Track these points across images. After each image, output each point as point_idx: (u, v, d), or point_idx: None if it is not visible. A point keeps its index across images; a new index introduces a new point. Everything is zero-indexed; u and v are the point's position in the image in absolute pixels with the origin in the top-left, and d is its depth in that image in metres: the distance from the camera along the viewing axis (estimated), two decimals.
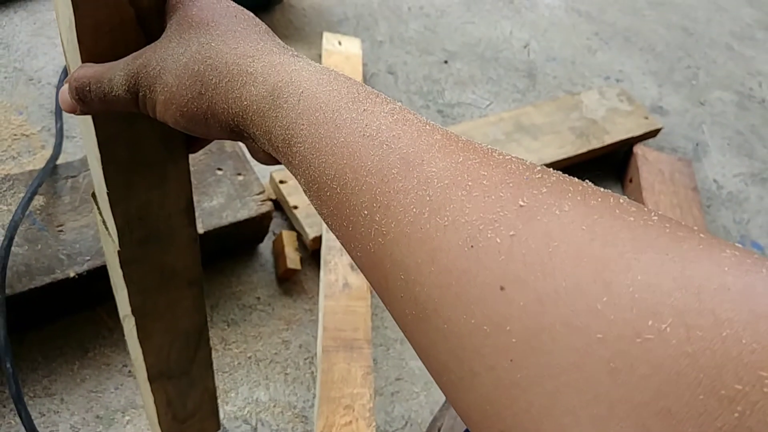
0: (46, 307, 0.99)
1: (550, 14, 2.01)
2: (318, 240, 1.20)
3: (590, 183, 0.26)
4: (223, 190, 1.12)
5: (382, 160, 0.30)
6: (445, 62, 1.74)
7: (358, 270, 1.15)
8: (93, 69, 0.40)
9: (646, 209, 0.24)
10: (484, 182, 0.27)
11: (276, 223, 1.25)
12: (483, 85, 1.72)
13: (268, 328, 1.14)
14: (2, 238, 0.95)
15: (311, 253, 1.23)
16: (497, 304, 0.24)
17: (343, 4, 1.79)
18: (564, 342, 0.22)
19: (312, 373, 1.10)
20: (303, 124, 0.33)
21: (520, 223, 0.25)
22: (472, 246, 0.25)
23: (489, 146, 0.30)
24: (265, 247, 1.24)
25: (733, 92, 1.96)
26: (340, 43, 1.58)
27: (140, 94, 0.39)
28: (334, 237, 1.16)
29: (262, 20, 0.42)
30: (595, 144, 1.52)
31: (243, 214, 1.11)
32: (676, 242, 0.22)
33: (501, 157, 0.28)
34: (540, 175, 0.27)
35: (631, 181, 1.56)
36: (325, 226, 1.20)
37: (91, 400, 0.99)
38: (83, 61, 0.41)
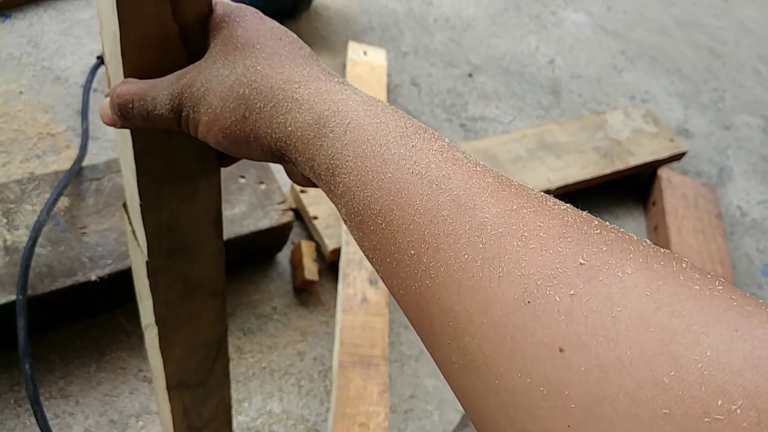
0: (66, 308, 1.00)
1: (577, 31, 2.00)
2: (337, 252, 1.20)
3: (649, 241, 0.26)
4: (245, 199, 1.12)
5: (432, 200, 0.29)
6: (470, 75, 1.73)
7: (377, 285, 1.15)
8: (136, 86, 0.40)
9: (709, 276, 0.24)
10: (541, 234, 0.26)
11: (295, 233, 1.25)
12: (507, 99, 1.71)
13: (284, 339, 1.14)
14: (26, 239, 0.95)
15: (329, 264, 1.23)
16: (556, 366, 0.23)
17: (368, 14, 1.79)
18: (627, 413, 0.21)
19: (326, 386, 1.09)
20: (349, 155, 0.32)
21: (580, 282, 0.24)
22: (528, 302, 0.24)
23: (542, 193, 0.29)
24: (284, 256, 1.24)
25: (759, 117, 1.94)
26: (365, 53, 1.58)
27: (183, 113, 0.39)
28: (354, 250, 1.16)
29: (288, 27, 0.41)
30: (620, 165, 1.50)
31: (264, 224, 1.10)
32: (744, 317, 0.21)
33: (556, 207, 0.28)
34: (599, 231, 0.26)
35: (654, 204, 1.55)
36: (344, 238, 1.20)
37: (105, 403, 0.99)
38: (125, 74, 0.41)
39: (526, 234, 0.26)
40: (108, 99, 0.41)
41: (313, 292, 1.20)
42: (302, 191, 1.25)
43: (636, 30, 2.07)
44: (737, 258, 1.55)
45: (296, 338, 1.14)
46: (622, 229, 0.26)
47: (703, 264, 1.43)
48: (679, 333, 0.21)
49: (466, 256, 0.27)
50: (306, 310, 1.18)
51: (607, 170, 1.49)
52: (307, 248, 1.20)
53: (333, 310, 1.19)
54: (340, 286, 1.15)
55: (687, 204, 1.54)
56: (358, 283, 1.14)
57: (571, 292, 0.24)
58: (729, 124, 1.88)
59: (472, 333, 0.26)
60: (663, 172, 1.57)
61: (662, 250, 0.25)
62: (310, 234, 1.26)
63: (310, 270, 1.17)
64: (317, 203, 1.24)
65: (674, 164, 1.65)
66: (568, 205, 0.28)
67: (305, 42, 0.42)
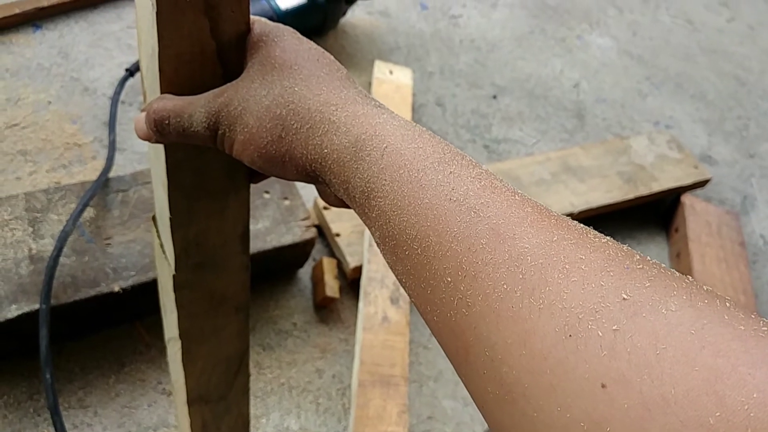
0: (88, 319, 1.00)
1: (602, 55, 1.99)
2: (358, 269, 1.19)
3: (692, 279, 0.25)
4: (269, 214, 1.12)
5: (470, 228, 0.29)
6: (494, 97, 1.73)
7: (398, 304, 1.14)
8: (173, 102, 0.40)
9: (753, 316, 0.23)
10: (583, 267, 0.26)
11: (317, 249, 1.25)
12: (531, 122, 1.71)
13: (303, 356, 1.13)
14: (51, 248, 0.95)
15: (350, 282, 1.22)
16: (598, 402, 0.23)
17: (395, 33, 1.80)
18: None
19: (344, 404, 1.09)
20: (385, 180, 0.32)
21: (624, 318, 0.23)
22: (570, 335, 0.24)
23: (582, 225, 0.29)
24: (305, 272, 1.23)
25: None
26: (391, 72, 1.58)
27: (219, 131, 0.39)
28: (375, 268, 1.16)
29: (316, 44, 0.41)
30: (643, 191, 1.49)
31: (287, 239, 1.10)
32: None
33: (597, 239, 0.27)
34: (641, 266, 0.26)
35: (677, 230, 1.53)
36: (366, 256, 1.19)
37: (124, 415, 0.99)
38: (162, 89, 0.41)
39: (567, 266, 0.26)
40: (144, 114, 0.42)
41: (334, 309, 1.20)
42: (325, 208, 1.25)
43: (661, 56, 2.07)
44: (760, 287, 1.53)
45: (315, 355, 1.14)
46: (663, 265, 0.26)
47: (725, 292, 1.41)
48: (725, 373, 0.21)
49: (505, 286, 0.27)
50: (326, 327, 1.18)
51: (631, 195, 1.48)
52: (328, 265, 1.20)
53: (353, 327, 1.18)
54: (361, 304, 1.14)
55: (710, 231, 1.52)
56: (380, 302, 1.14)
57: (614, 328, 0.23)
58: (753, 153, 1.86)
59: (510, 364, 0.26)
60: (686, 199, 1.56)
61: (705, 287, 0.25)
62: (332, 251, 1.26)
63: (331, 287, 1.17)
64: (339, 220, 1.24)
65: (698, 191, 1.64)
66: (608, 238, 0.28)
67: None
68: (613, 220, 1.50)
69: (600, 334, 0.23)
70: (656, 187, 1.51)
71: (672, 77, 2.01)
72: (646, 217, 1.57)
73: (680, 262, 1.48)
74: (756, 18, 2.37)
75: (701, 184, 1.60)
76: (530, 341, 0.25)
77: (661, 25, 2.19)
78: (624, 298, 0.24)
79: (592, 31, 2.07)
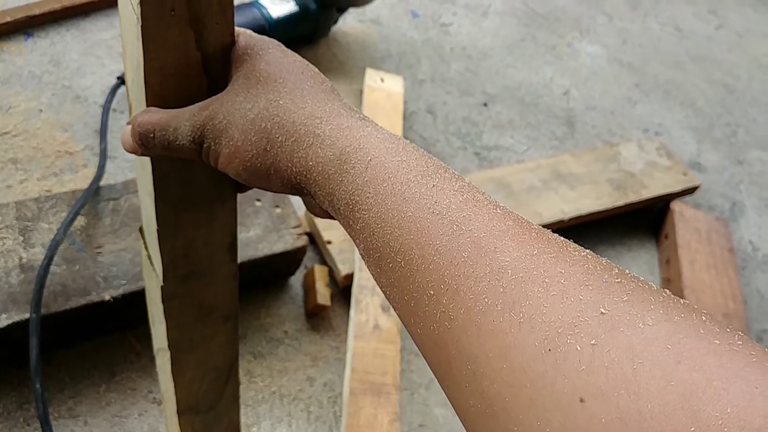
0: (78, 328, 1.00)
1: (592, 63, 2.01)
2: (350, 277, 1.19)
3: (669, 292, 0.26)
4: (260, 222, 1.12)
5: (452, 241, 0.29)
6: (485, 105, 1.74)
7: (390, 312, 1.14)
8: (158, 116, 0.40)
9: (728, 330, 0.24)
10: (562, 281, 0.26)
11: (308, 257, 1.25)
12: (521, 129, 1.72)
13: (294, 364, 1.13)
14: (42, 257, 0.95)
15: (341, 289, 1.23)
16: (576, 416, 0.23)
17: (387, 41, 1.80)
18: None
19: (335, 413, 1.09)
20: (369, 193, 0.33)
21: (602, 332, 0.24)
22: (549, 349, 0.24)
23: (562, 238, 0.29)
24: (296, 280, 1.24)
25: None
26: (382, 80, 1.59)
27: (205, 145, 0.39)
28: (367, 276, 1.16)
29: (307, 53, 0.42)
30: (633, 198, 1.50)
31: (279, 247, 1.11)
32: (764, 374, 0.22)
33: (577, 253, 0.28)
34: (619, 279, 0.26)
35: (666, 237, 1.54)
36: (357, 263, 1.19)
37: (114, 424, 0.99)
38: (147, 101, 0.41)
39: (547, 280, 0.26)
40: (129, 127, 0.42)
41: (325, 317, 1.20)
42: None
43: (651, 63, 2.08)
44: (749, 293, 1.54)
45: (306, 363, 1.14)
46: (641, 278, 0.27)
47: (715, 299, 1.42)
48: (700, 388, 0.21)
49: (486, 300, 0.27)
50: (317, 335, 1.18)
51: (620, 202, 1.49)
52: (320, 273, 1.20)
53: (344, 335, 1.18)
54: (352, 312, 1.15)
55: (699, 238, 1.53)
56: (371, 310, 1.14)
57: (593, 342, 0.24)
58: (742, 159, 1.88)
59: (491, 378, 0.26)
60: (676, 206, 1.57)
61: (682, 301, 0.25)
62: (324, 258, 1.26)
63: (323, 295, 1.17)
64: (331, 228, 1.24)
65: (687, 198, 1.65)
66: (588, 251, 0.28)
67: (323, 68, 0.42)
68: (603, 227, 1.50)
69: (578, 348, 0.24)
70: (646, 193, 1.52)
71: (661, 84, 2.02)
72: (635, 224, 1.58)
73: (670, 268, 1.49)
74: (744, 26, 2.40)
75: (690, 190, 1.61)
76: (511, 355, 0.25)
77: (650, 33, 2.21)
78: (602, 313, 0.24)
79: (582, 38, 2.09)
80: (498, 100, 1.77)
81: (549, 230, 0.30)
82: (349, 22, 1.79)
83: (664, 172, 1.59)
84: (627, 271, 0.27)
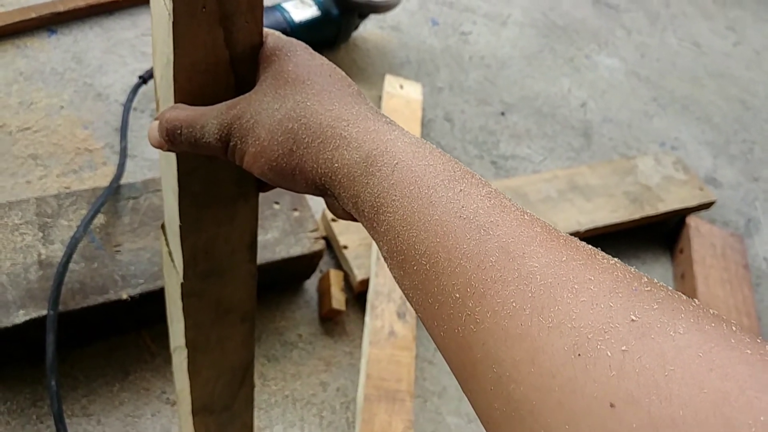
0: (95, 326, 1.00)
1: (610, 76, 2.00)
2: (365, 282, 1.19)
3: (698, 301, 0.26)
4: (278, 225, 1.12)
5: (480, 246, 0.29)
6: (502, 114, 1.74)
7: (405, 319, 1.14)
8: (185, 113, 0.40)
9: (758, 340, 0.24)
10: (592, 287, 0.26)
11: (324, 261, 1.25)
12: (538, 140, 1.72)
13: (308, 368, 1.13)
14: (61, 254, 0.95)
15: (356, 295, 1.22)
16: (606, 420, 0.23)
17: (406, 48, 1.81)
18: None
19: (348, 418, 1.08)
20: (395, 195, 0.33)
21: (632, 339, 0.24)
22: (579, 354, 0.24)
23: (590, 246, 0.29)
24: (311, 283, 1.23)
25: None
26: (401, 87, 1.59)
27: (231, 143, 0.40)
28: (383, 282, 1.16)
29: (327, 58, 0.42)
30: (649, 211, 1.50)
31: (296, 251, 1.10)
32: None
33: (605, 261, 0.28)
34: (649, 288, 0.26)
35: (681, 251, 1.54)
36: (373, 269, 1.19)
37: (127, 424, 0.98)
38: (176, 98, 0.42)
39: (576, 286, 0.26)
40: (157, 122, 0.42)
41: (339, 321, 1.20)
42: (333, 220, 1.25)
43: (668, 78, 2.08)
44: (763, 309, 1.53)
45: (320, 368, 1.13)
46: (670, 288, 0.27)
47: (729, 314, 1.41)
48: (732, 396, 0.21)
49: (514, 304, 0.27)
50: (331, 340, 1.17)
51: (637, 215, 1.48)
52: (335, 277, 1.20)
53: (358, 341, 1.18)
54: (367, 318, 1.14)
55: (715, 253, 1.53)
56: (386, 316, 1.13)
57: (623, 348, 0.24)
58: (757, 176, 1.87)
59: (518, 381, 0.26)
60: (691, 221, 1.56)
61: (711, 311, 0.25)
62: (339, 263, 1.26)
63: (338, 299, 1.17)
64: (348, 232, 1.24)
65: (702, 213, 1.65)
66: (616, 259, 0.28)
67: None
68: (619, 240, 1.50)
69: (609, 354, 0.24)
70: (662, 207, 1.52)
71: (678, 99, 2.02)
72: (651, 238, 1.57)
73: (684, 283, 1.48)
74: (762, 42, 2.39)
75: (706, 206, 1.60)
76: (539, 359, 0.25)
77: (668, 48, 2.21)
78: (632, 320, 0.24)
79: (600, 51, 2.08)
80: (515, 109, 1.77)
81: (576, 238, 0.30)
82: (369, 29, 1.79)
83: (681, 186, 1.59)
84: (656, 280, 0.27)
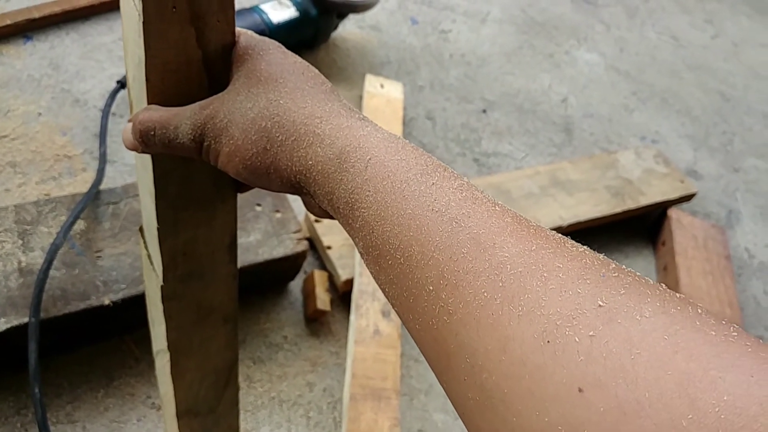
0: (77, 332, 0.99)
1: (590, 71, 2.02)
2: (349, 282, 1.19)
3: (665, 286, 0.26)
4: (260, 227, 1.12)
5: (452, 238, 0.29)
6: (484, 111, 1.75)
7: (390, 317, 1.14)
8: (158, 114, 0.40)
9: (723, 322, 0.24)
10: (560, 275, 0.26)
11: (308, 262, 1.25)
12: (520, 136, 1.72)
13: (293, 369, 1.13)
14: (41, 261, 0.95)
15: (341, 295, 1.22)
16: (575, 406, 0.23)
17: (386, 47, 1.81)
18: None
19: (335, 418, 1.08)
20: (369, 191, 0.33)
21: (599, 324, 0.24)
22: (548, 341, 0.25)
23: (559, 234, 0.30)
24: (296, 285, 1.23)
25: None
26: (382, 86, 1.59)
27: (205, 143, 0.40)
28: (367, 281, 1.16)
29: (307, 58, 0.42)
30: (630, 204, 1.51)
31: (279, 252, 1.10)
32: (759, 363, 0.22)
33: (574, 248, 0.28)
34: (616, 274, 0.26)
35: (663, 244, 1.55)
36: (357, 269, 1.19)
37: (112, 430, 0.98)
38: (148, 99, 0.41)
39: (545, 274, 0.27)
40: (130, 124, 0.42)
41: (324, 322, 1.20)
42: (316, 221, 1.25)
43: (648, 72, 2.09)
44: (745, 300, 1.54)
45: (306, 368, 1.13)
46: (638, 273, 0.27)
47: (711, 305, 1.43)
48: (696, 377, 0.22)
49: (485, 294, 0.27)
50: (316, 341, 1.17)
51: (618, 209, 1.49)
52: (319, 278, 1.20)
53: (344, 340, 1.18)
54: (352, 317, 1.14)
55: (696, 245, 1.54)
56: (371, 315, 1.14)
57: (591, 334, 0.24)
58: (738, 167, 1.89)
59: (490, 370, 0.26)
60: (673, 213, 1.57)
61: (678, 295, 0.26)
62: (323, 264, 1.26)
63: (323, 300, 1.17)
64: (331, 233, 1.24)
65: (684, 205, 1.66)
66: (585, 247, 0.29)
67: (323, 73, 0.42)
68: (601, 234, 1.51)
69: (577, 339, 0.24)
70: (643, 200, 1.53)
71: (658, 93, 2.03)
72: (633, 231, 1.58)
73: (667, 275, 1.49)
74: (740, 35, 2.41)
75: (687, 198, 1.61)
76: (509, 347, 0.26)
77: (647, 42, 2.22)
78: (600, 305, 0.25)
79: (579, 46, 2.10)
80: (496, 106, 1.78)
81: (546, 227, 0.30)
82: (348, 28, 1.79)
83: (662, 179, 1.60)
84: (624, 267, 0.27)
